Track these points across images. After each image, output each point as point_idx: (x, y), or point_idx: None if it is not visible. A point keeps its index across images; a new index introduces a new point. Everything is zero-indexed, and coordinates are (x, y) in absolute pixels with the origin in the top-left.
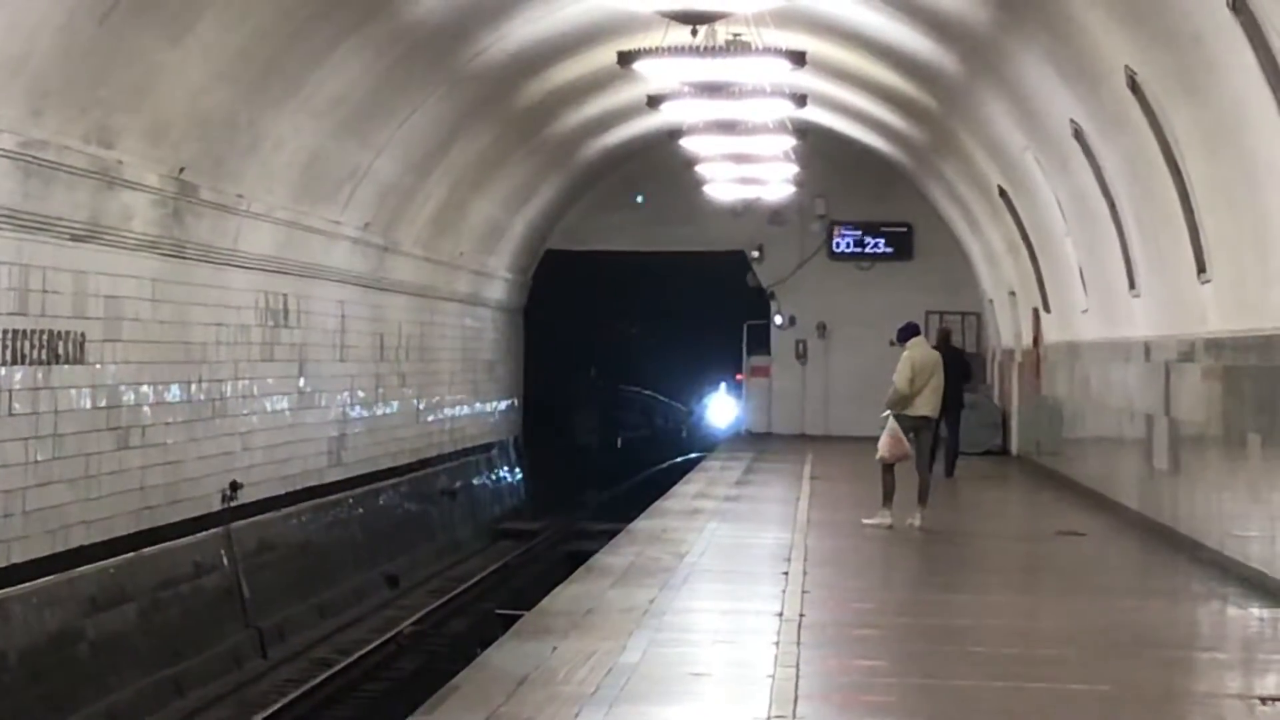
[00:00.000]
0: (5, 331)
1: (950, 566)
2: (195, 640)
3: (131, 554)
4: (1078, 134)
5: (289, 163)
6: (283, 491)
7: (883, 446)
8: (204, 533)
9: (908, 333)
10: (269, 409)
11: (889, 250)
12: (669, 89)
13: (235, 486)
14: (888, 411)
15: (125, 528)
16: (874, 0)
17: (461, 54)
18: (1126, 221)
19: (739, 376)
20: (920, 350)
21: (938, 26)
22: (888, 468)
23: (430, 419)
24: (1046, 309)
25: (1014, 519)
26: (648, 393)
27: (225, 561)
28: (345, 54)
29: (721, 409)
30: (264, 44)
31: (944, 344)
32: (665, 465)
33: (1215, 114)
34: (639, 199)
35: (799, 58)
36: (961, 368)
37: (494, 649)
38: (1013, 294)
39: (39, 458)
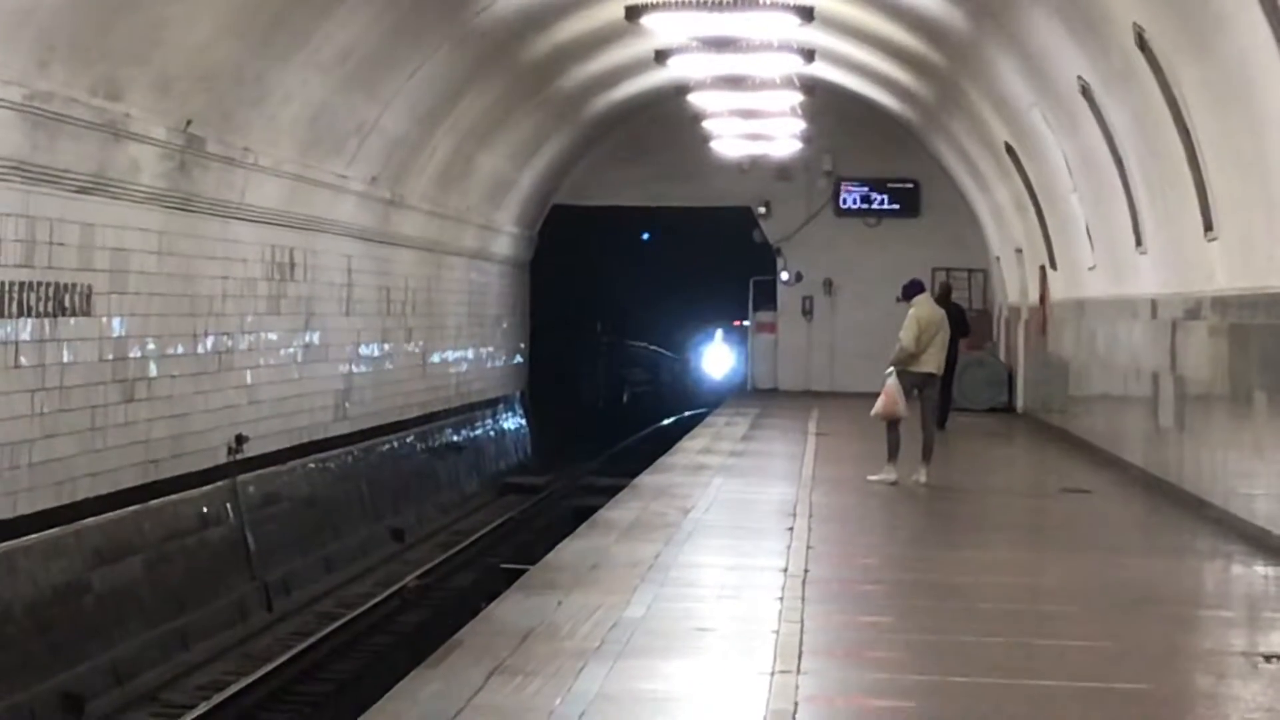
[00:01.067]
0: (12, 284)
1: (955, 523)
2: (200, 593)
3: (137, 506)
4: (1085, 91)
5: (296, 116)
6: (288, 445)
7: (877, 404)
8: (210, 486)
9: (913, 289)
10: (275, 362)
11: (896, 207)
12: (677, 43)
13: (241, 440)
14: (891, 369)
15: (131, 480)
16: None
17: (469, 7)
18: (1134, 178)
19: (737, 323)
20: (926, 307)
21: None
22: (892, 424)
23: (436, 373)
24: (1053, 266)
25: (1019, 476)
26: (653, 348)
27: (231, 514)
28: (352, 6)
29: (717, 358)
30: None
31: (944, 299)
32: (667, 422)
33: (1223, 71)
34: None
35: (807, 13)
36: (960, 324)
37: (499, 603)
38: (1019, 251)
39: (45, 410)
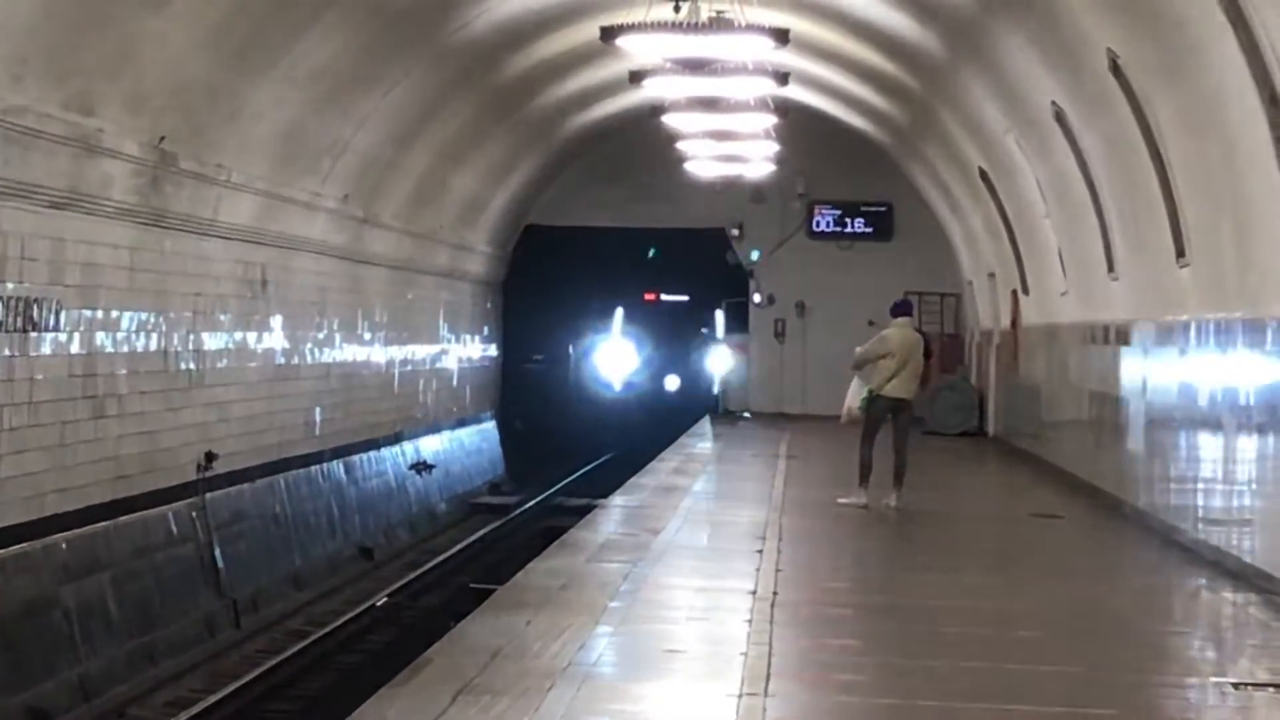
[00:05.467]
0: None
1: (925, 547)
2: (168, 609)
3: (106, 522)
4: (1059, 116)
5: (269, 133)
6: (258, 462)
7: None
8: (179, 502)
9: (899, 310)
10: (245, 380)
11: (869, 230)
12: (651, 65)
13: (210, 457)
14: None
15: (100, 496)
16: None
17: (444, 27)
18: (1106, 205)
19: (651, 296)
20: (901, 330)
21: (921, 7)
22: (865, 447)
23: (407, 391)
24: (1025, 291)
25: (990, 501)
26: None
27: (199, 531)
28: (328, 25)
29: (613, 358)
30: (246, 13)
31: None
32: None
33: (1197, 98)
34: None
35: (782, 35)
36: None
37: (468, 622)
38: (992, 276)
39: (14, 425)
